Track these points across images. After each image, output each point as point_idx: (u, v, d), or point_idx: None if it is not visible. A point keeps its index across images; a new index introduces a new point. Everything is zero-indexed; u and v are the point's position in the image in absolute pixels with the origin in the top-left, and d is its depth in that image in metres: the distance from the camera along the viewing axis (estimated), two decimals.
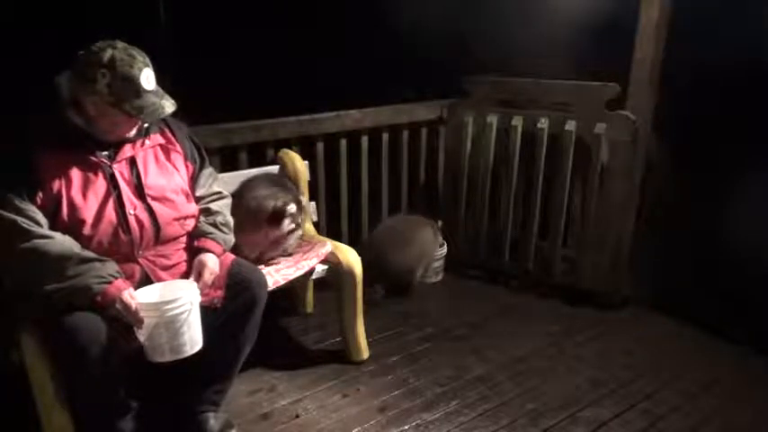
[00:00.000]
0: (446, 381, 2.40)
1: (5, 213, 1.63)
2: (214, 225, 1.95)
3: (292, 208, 2.30)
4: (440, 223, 3.27)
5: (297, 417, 2.18)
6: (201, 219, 1.96)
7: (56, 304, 1.64)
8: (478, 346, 2.65)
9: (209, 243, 1.91)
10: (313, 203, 2.76)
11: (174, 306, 1.68)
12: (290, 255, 2.40)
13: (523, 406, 2.25)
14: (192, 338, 1.74)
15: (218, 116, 2.73)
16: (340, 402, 2.26)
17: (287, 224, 2.31)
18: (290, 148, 2.79)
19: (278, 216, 2.28)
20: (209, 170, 2.05)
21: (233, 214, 2.07)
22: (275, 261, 2.35)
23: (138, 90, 1.68)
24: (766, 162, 2.43)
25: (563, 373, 2.46)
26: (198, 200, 2.00)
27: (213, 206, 2.00)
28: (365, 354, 2.52)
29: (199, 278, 1.83)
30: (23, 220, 1.64)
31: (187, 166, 1.98)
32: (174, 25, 4.36)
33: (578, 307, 2.97)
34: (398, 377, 2.42)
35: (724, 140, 2.57)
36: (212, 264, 1.88)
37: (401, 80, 3.76)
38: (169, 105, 1.75)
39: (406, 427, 2.14)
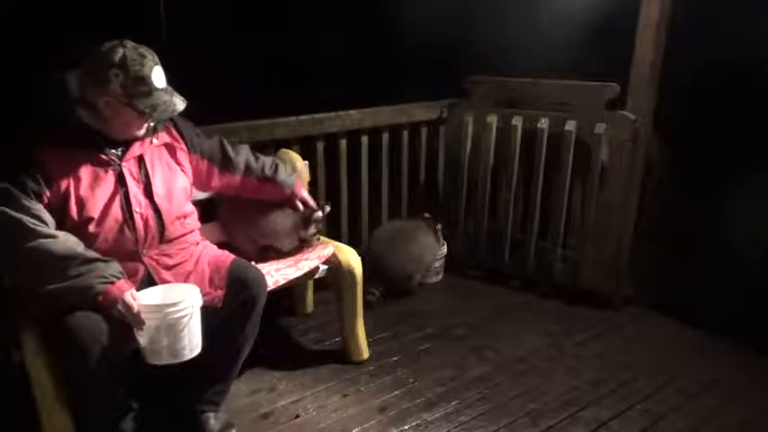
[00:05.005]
0: (446, 381, 2.40)
1: (11, 212, 1.63)
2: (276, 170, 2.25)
3: (319, 215, 2.37)
4: (440, 227, 3.26)
5: (297, 417, 2.18)
6: (275, 174, 2.24)
7: (58, 304, 1.64)
8: (478, 346, 2.65)
9: (298, 184, 2.32)
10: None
11: (176, 309, 1.68)
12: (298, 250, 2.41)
13: (523, 406, 2.25)
14: (192, 342, 1.74)
15: (218, 116, 2.73)
16: (340, 402, 2.26)
17: (312, 229, 2.38)
18: (290, 148, 2.79)
19: (308, 220, 2.35)
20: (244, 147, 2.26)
21: (261, 206, 2.29)
22: (276, 259, 2.36)
23: (150, 89, 1.69)
24: (766, 162, 2.43)
25: (563, 373, 2.46)
26: (246, 167, 2.18)
27: (268, 160, 2.26)
28: (365, 354, 2.52)
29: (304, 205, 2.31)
30: (29, 218, 1.64)
31: (191, 159, 2.02)
32: (174, 25, 4.35)
33: (578, 307, 2.97)
34: (398, 377, 2.42)
35: (724, 140, 2.57)
36: (303, 192, 2.34)
37: (401, 80, 3.75)
38: (179, 102, 1.77)
39: (406, 427, 2.14)
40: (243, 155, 2.18)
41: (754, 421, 2.17)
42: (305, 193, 2.35)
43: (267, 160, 2.25)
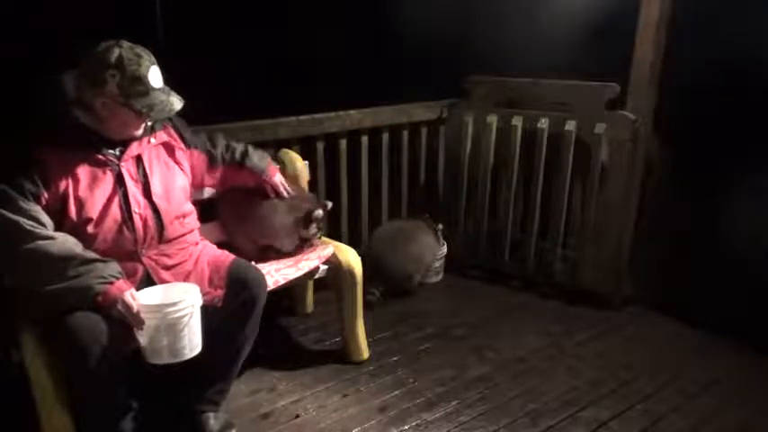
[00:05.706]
0: (446, 381, 2.40)
1: (8, 214, 1.63)
2: (246, 155, 2.21)
3: (319, 213, 2.37)
4: (440, 227, 3.26)
5: (297, 417, 2.18)
6: (243, 159, 2.20)
7: (57, 304, 1.64)
8: (478, 346, 2.65)
9: (270, 169, 2.28)
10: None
11: (175, 309, 1.68)
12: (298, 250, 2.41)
13: (523, 406, 2.25)
14: (192, 342, 1.74)
15: (217, 116, 2.73)
16: (340, 402, 2.26)
17: (313, 228, 2.38)
18: (290, 148, 2.79)
19: (308, 219, 2.36)
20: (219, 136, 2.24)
21: (261, 205, 2.31)
22: (276, 259, 2.35)
23: (147, 89, 1.69)
24: (766, 162, 2.43)
25: (563, 373, 2.46)
26: (222, 158, 2.16)
27: (239, 146, 2.22)
28: (365, 354, 2.52)
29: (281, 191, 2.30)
30: (26, 221, 1.64)
31: (190, 156, 2.03)
32: (173, 25, 4.35)
33: (578, 307, 2.97)
34: (398, 377, 2.42)
35: (724, 140, 2.57)
36: (278, 178, 2.31)
37: (401, 80, 3.75)
38: (177, 102, 1.77)
39: (406, 427, 2.14)
40: (220, 145, 2.19)
41: (754, 421, 2.17)
42: (277, 180, 2.32)
43: (239, 146, 2.23)
